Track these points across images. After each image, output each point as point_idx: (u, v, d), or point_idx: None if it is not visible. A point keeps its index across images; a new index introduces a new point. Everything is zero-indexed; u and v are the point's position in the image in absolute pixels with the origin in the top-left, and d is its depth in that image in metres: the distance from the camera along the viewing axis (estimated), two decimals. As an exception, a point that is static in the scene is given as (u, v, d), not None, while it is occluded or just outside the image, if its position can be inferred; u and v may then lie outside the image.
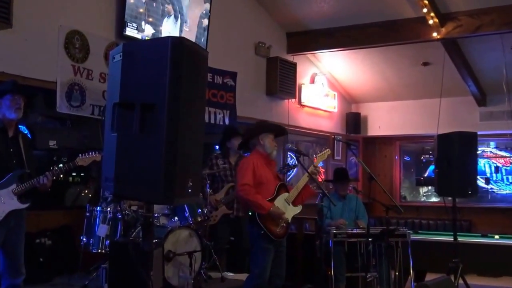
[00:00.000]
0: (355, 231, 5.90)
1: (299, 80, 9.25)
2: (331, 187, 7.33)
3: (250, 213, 4.84)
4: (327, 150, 5.34)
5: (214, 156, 6.42)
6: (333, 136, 10.04)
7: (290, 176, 9.17)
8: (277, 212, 4.82)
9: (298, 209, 5.04)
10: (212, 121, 7.40)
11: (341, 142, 10.06)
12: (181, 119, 2.69)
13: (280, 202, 4.90)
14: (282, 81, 8.63)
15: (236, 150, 6.08)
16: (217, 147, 7.06)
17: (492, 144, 10.49)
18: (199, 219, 5.64)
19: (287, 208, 4.93)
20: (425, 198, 11.18)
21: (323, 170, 9.97)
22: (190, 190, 2.79)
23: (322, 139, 10.11)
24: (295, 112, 9.33)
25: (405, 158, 11.39)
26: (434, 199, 10.87)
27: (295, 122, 9.28)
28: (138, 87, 2.71)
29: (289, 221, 4.95)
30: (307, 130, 9.65)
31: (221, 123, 7.48)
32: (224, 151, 6.44)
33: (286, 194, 4.97)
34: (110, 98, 2.88)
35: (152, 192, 2.65)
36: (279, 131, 5.21)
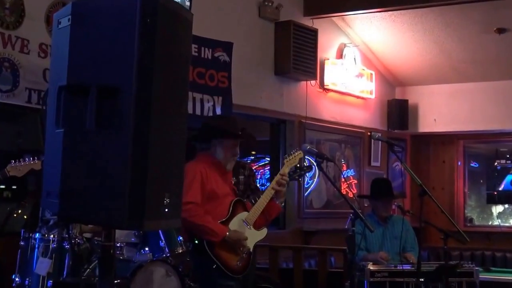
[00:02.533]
0: (401, 268, 5.90)
1: (321, 54, 9.25)
2: (366, 205, 7.31)
3: (196, 241, 4.96)
4: (299, 152, 5.46)
5: None
6: (369, 133, 10.02)
7: (309, 189, 9.18)
8: (236, 237, 4.98)
9: (262, 233, 5.22)
10: (198, 111, 7.41)
11: (380, 142, 10.03)
12: (155, 109, 2.69)
13: (236, 224, 5.06)
14: (297, 56, 8.63)
15: None
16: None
17: None
18: (180, 251, 5.64)
19: (247, 233, 5.09)
20: (499, 221, 11.15)
21: (355, 181, 9.97)
22: (167, 210, 2.80)
23: (353, 138, 10.10)
24: (316, 99, 9.33)
25: (472, 165, 11.37)
26: (512, 222, 10.87)
27: (315, 113, 9.28)
28: (93, 64, 2.71)
29: (251, 250, 5.10)
30: (332, 125, 9.65)
31: (211, 114, 7.49)
32: None
33: (245, 213, 5.14)
34: (54, 80, 2.88)
35: (113, 213, 2.66)
36: (237, 137, 5.26)
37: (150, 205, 2.70)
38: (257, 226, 5.19)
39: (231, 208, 5.08)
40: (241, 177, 6.26)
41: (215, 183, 5.06)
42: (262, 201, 5.18)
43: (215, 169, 5.13)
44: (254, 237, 5.16)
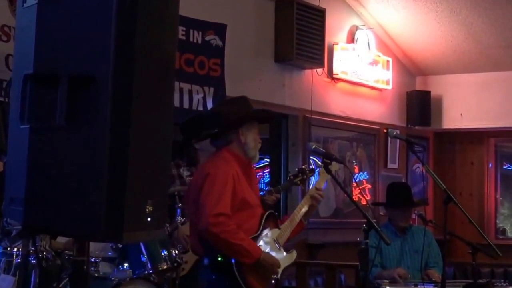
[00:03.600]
0: (422, 287, 5.91)
1: (330, 38, 9.25)
2: (382, 214, 7.32)
3: (220, 258, 4.77)
4: (334, 163, 5.31)
5: (173, 164, 6.46)
6: (385, 130, 10.03)
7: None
8: (271, 262, 4.84)
9: (291, 257, 5.12)
10: (186, 104, 7.41)
11: (398, 140, 10.06)
12: (136, 102, 2.69)
13: (268, 244, 4.92)
14: (301, 40, 8.63)
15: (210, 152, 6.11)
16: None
17: None
18: (165, 267, 5.65)
19: (278, 256, 4.96)
20: (537, 232, 11.19)
21: (369, 185, 9.98)
22: (150, 220, 2.80)
23: (367, 135, 10.11)
24: (323, 90, 9.33)
25: (505, 167, 11.38)
26: (552, 234, 10.89)
27: (322, 107, 9.29)
28: (64, 49, 2.71)
29: (279, 276, 4.98)
30: (342, 120, 9.65)
31: (201, 108, 7.49)
32: (190, 155, 6.50)
33: (277, 231, 5.01)
34: (18, 67, 2.88)
35: (86, 222, 2.66)
36: (265, 117, 5.27)
37: (130, 214, 2.70)
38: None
39: (262, 223, 4.90)
40: None
41: (246, 188, 4.85)
42: (295, 219, 5.07)
43: (241, 168, 4.90)
44: (284, 261, 5.01)
